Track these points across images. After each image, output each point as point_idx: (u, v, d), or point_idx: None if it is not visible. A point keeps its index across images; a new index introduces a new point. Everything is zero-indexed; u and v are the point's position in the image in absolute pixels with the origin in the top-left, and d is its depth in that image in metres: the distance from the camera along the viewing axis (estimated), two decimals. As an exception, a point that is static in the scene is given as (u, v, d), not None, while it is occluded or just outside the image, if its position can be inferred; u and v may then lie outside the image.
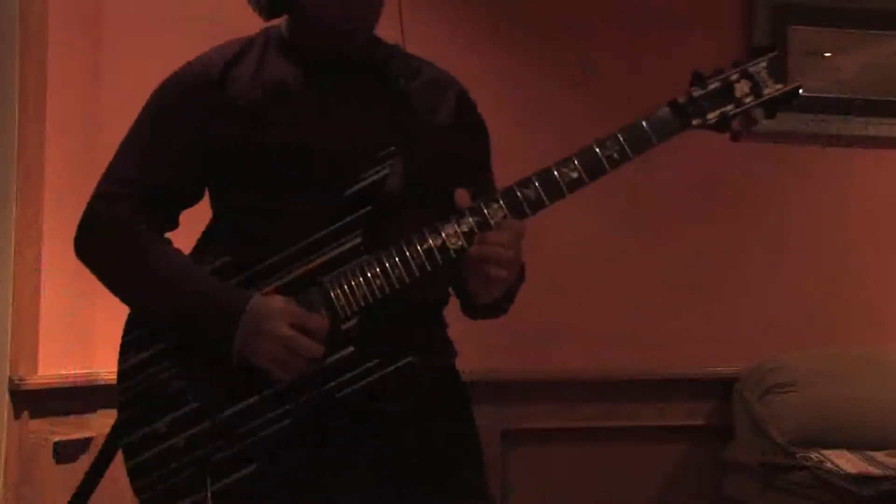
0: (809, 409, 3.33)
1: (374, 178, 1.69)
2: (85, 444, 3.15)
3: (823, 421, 3.31)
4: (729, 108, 1.74)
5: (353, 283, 1.65)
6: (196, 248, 1.80)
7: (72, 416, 3.12)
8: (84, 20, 3.22)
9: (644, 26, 3.60)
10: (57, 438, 3.07)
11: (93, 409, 3.17)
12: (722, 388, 3.55)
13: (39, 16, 3.05)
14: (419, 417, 1.76)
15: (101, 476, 1.93)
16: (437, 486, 1.75)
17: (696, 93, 1.76)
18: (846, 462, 3.08)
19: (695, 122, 1.75)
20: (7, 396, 2.96)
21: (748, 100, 1.74)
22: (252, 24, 3.63)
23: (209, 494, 1.65)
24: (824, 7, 3.70)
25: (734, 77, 1.76)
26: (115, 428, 1.83)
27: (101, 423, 3.18)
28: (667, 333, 3.55)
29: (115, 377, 3.02)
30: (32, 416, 3.02)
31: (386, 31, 1.91)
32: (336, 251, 1.67)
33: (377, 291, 1.65)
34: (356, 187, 1.68)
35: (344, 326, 1.65)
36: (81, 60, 3.21)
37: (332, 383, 1.65)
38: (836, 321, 3.66)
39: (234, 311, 1.64)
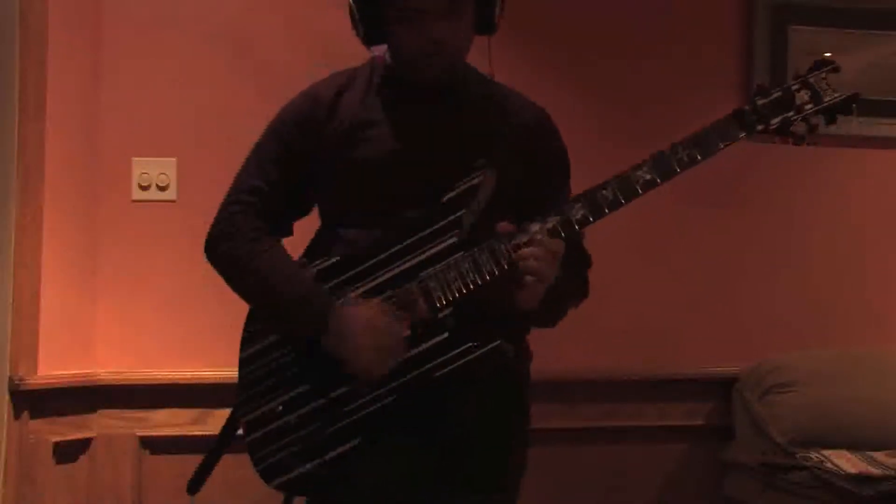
0: (809, 409, 3.33)
1: (469, 185, 1.91)
2: (85, 444, 3.16)
3: (823, 421, 3.31)
4: (790, 114, 1.90)
5: (448, 276, 1.88)
6: (307, 251, 2.05)
7: (72, 416, 3.12)
8: (84, 20, 3.22)
9: (644, 26, 3.60)
10: (57, 438, 3.07)
11: (93, 409, 3.17)
12: (722, 388, 3.55)
13: (39, 16, 3.05)
14: (479, 408, 1.96)
15: (223, 451, 2.10)
16: (471, 476, 1.95)
17: (760, 101, 1.92)
18: (846, 462, 3.08)
19: (759, 128, 1.91)
20: (7, 396, 2.97)
21: (808, 107, 1.90)
22: (252, 24, 3.64)
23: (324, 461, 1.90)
24: (824, 7, 3.69)
25: (795, 87, 1.91)
26: (236, 408, 2.03)
27: (101, 423, 3.18)
28: (667, 333, 3.55)
29: (114, 377, 3.11)
30: (32, 416, 3.02)
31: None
32: (434, 250, 1.90)
33: (470, 284, 1.86)
34: (452, 193, 1.91)
35: (440, 315, 1.87)
36: (81, 60, 3.21)
37: (429, 365, 1.87)
38: (836, 321, 3.66)
39: (321, 315, 1.88)
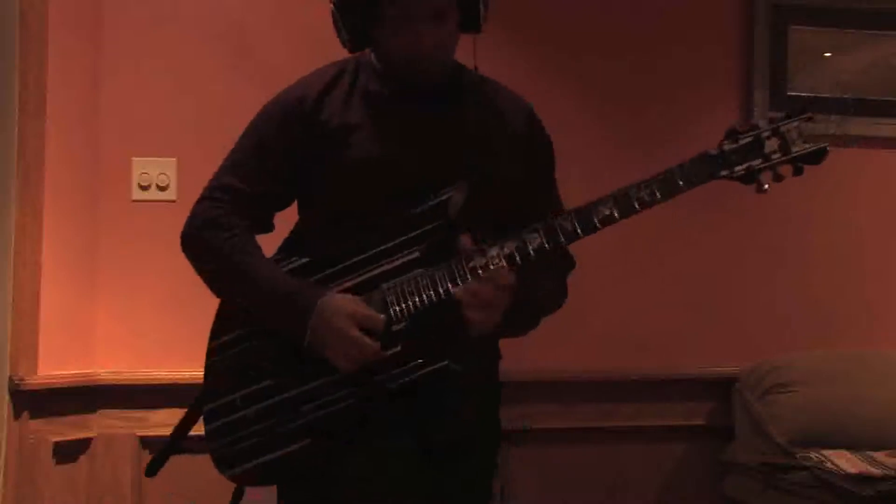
0: (809, 409, 3.33)
1: (439, 200, 1.91)
2: (85, 444, 3.16)
3: (823, 421, 3.31)
4: (757, 162, 1.88)
5: (406, 291, 1.89)
6: (281, 248, 2.05)
7: (72, 416, 3.12)
8: (84, 20, 3.22)
9: (644, 26, 3.60)
10: (57, 438, 3.07)
11: (93, 409, 3.17)
12: (722, 388, 3.55)
13: (39, 16, 3.05)
14: (443, 413, 1.97)
15: (183, 439, 2.13)
16: (440, 480, 1.97)
17: (727, 146, 1.88)
18: (846, 462, 3.08)
19: (723, 173, 1.89)
20: (7, 396, 2.97)
21: (776, 156, 1.88)
22: (250, 24, 3.64)
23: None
24: (824, 7, 3.69)
25: (766, 134, 1.88)
26: (199, 397, 2.05)
27: (101, 423, 3.18)
28: (667, 333, 3.55)
29: (114, 377, 3.10)
30: (32, 416, 3.02)
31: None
32: (398, 262, 1.91)
33: (426, 300, 1.88)
34: (421, 207, 1.91)
35: (395, 328, 1.88)
36: (81, 60, 3.21)
37: (380, 377, 1.88)
38: (836, 321, 3.66)
39: (307, 308, 1.88)
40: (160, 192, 3.24)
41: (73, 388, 3.11)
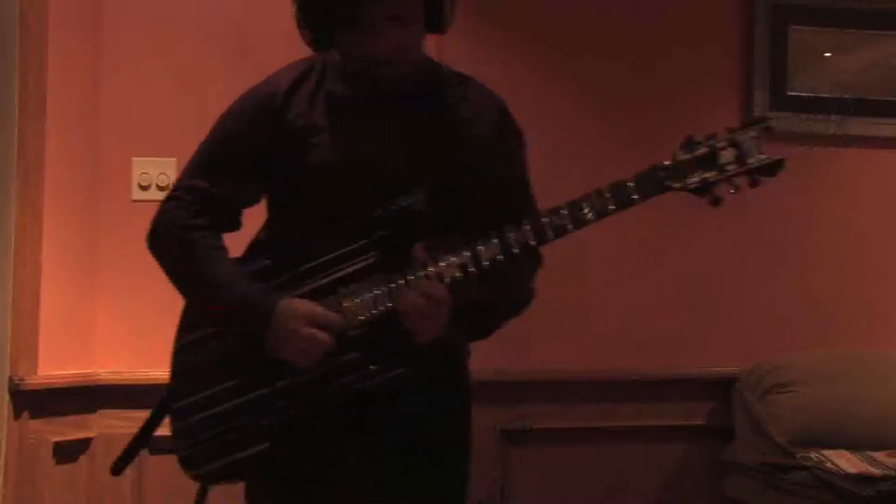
0: (809, 409, 3.33)
1: (400, 205, 1.88)
2: (85, 444, 3.16)
3: (823, 421, 3.31)
4: (711, 174, 1.81)
5: (362, 297, 1.87)
6: (249, 246, 2.03)
7: (72, 416, 3.12)
8: (84, 20, 3.22)
9: (644, 26, 3.60)
10: (57, 438, 3.07)
11: (93, 409, 3.17)
12: (722, 388, 3.55)
13: (39, 16, 3.05)
14: (411, 419, 1.95)
15: (149, 438, 2.13)
16: (411, 485, 1.95)
17: (681, 157, 1.82)
18: (846, 462, 3.08)
19: (676, 185, 1.83)
20: (7, 396, 2.97)
21: (730, 167, 1.80)
22: (250, 24, 3.64)
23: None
24: (824, 7, 3.69)
25: (721, 145, 1.81)
26: (164, 396, 2.06)
27: (101, 423, 3.18)
28: (667, 333, 3.55)
29: (114, 377, 3.10)
30: (32, 416, 3.02)
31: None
32: (356, 266, 1.89)
33: (381, 307, 1.85)
34: (380, 212, 1.88)
35: (351, 333, 1.87)
36: (81, 60, 3.21)
37: (336, 383, 1.87)
38: (836, 321, 3.66)
39: (265, 314, 1.88)
40: (160, 192, 3.23)
41: (73, 388, 3.11)
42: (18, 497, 2.98)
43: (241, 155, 1.99)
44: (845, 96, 3.68)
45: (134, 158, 3.26)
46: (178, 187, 2.03)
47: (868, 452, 3.16)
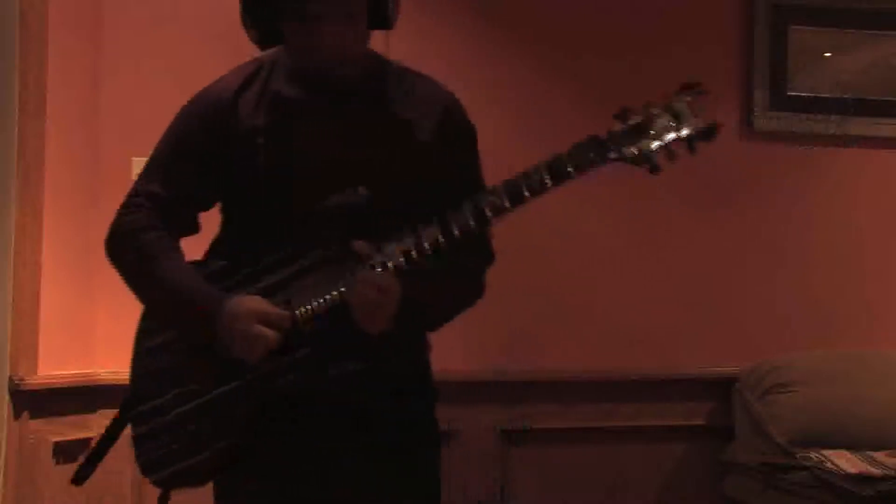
0: (809, 409, 3.33)
1: (346, 200, 1.89)
2: (85, 444, 3.15)
3: (823, 421, 3.31)
4: (647, 143, 1.78)
5: (315, 291, 1.86)
6: (209, 250, 2.04)
7: (71, 416, 3.12)
8: (84, 20, 3.22)
9: (644, 26, 3.60)
10: (57, 438, 3.07)
11: (93, 409, 3.17)
12: (722, 388, 3.55)
13: (39, 16, 3.05)
14: (369, 416, 1.95)
15: (111, 445, 2.11)
16: (376, 482, 1.94)
17: (617, 127, 1.81)
18: (846, 462, 3.08)
19: (612, 156, 1.80)
20: (7, 396, 2.97)
21: (667, 135, 1.78)
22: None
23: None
24: (824, 7, 3.70)
25: (655, 112, 1.79)
26: (124, 402, 2.05)
27: (100, 423, 3.17)
28: (667, 333, 3.55)
29: (114, 377, 3.11)
30: (32, 416, 3.02)
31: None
32: (305, 264, 1.89)
33: (330, 302, 1.85)
34: (324, 211, 1.89)
35: (302, 329, 1.86)
36: (81, 60, 3.21)
37: (288, 377, 1.87)
38: (836, 321, 3.66)
39: (213, 314, 1.88)
40: (160, 192, 3.24)
41: (73, 388, 3.11)
42: (18, 497, 2.98)
43: (193, 158, 1.99)
44: (845, 96, 3.68)
45: (134, 158, 3.25)
46: (133, 193, 2.02)
47: (868, 452, 3.16)
